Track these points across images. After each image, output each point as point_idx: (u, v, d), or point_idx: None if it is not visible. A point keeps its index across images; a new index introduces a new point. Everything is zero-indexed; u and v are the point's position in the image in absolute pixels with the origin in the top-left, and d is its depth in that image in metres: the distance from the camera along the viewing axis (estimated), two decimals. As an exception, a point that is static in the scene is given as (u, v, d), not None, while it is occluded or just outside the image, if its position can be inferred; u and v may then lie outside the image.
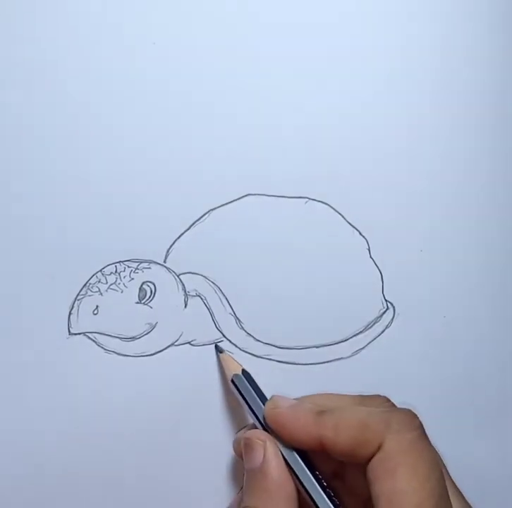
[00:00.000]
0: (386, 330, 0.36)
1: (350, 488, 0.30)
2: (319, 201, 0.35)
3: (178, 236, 0.34)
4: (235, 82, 0.35)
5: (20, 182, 0.33)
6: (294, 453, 0.29)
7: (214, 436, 0.34)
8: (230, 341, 0.34)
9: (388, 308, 0.36)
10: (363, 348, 0.35)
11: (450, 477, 0.30)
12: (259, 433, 0.30)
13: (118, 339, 0.33)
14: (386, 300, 0.36)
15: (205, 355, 0.34)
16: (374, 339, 0.36)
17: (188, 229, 0.34)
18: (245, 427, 0.33)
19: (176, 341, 0.34)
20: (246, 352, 0.34)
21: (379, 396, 0.30)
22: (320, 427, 0.28)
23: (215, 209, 0.34)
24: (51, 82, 0.33)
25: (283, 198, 0.35)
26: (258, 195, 0.35)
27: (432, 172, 0.36)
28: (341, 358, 0.35)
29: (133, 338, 0.33)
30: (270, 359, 0.35)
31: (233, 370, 0.32)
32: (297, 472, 0.28)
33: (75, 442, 0.33)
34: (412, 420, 0.28)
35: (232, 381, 0.32)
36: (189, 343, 0.34)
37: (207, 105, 0.34)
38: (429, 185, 0.36)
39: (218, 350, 0.34)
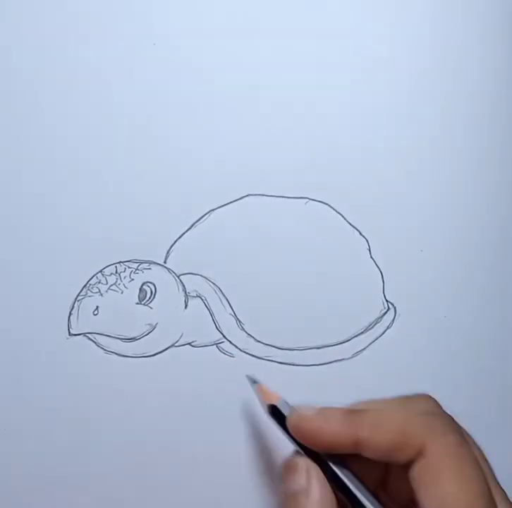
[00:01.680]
0: (387, 331, 0.36)
1: (391, 494, 0.29)
2: (319, 201, 0.35)
3: (178, 236, 0.34)
4: (235, 82, 0.35)
5: (20, 182, 0.33)
6: (337, 473, 0.28)
7: (214, 436, 0.34)
8: (230, 342, 0.34)
9: (389, 309, 0.36)
10: (364, 348, 0.35)
11: (493, 474, 0.29)
12: (302, 459, 0.28)
13: (118, 340, 0.33)
14: (386, 301, 0.36)
15: (205, 356, 0.34)
16: (375, 339, 0.35)
17: (188, 230, 0.34)
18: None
19: (176, 342, 0.34)
20: (246, 353, 0.34)
21: (422, 395, 0.29)
22: (354, 427, 0.27)
23: (215, 209, 0.34)
24: (51, 82, 0.33)
25: (283, 198, 0.35)
26: (258, 195, 0.35)
27: (433, 172, 0.37)
28: (342, 359, 0.35)
29: (133, 339, 0.33)
30: (271, 360, 0.34)
31: (267, 401, 0.30)
32: (346, 486, 0.27)
33: (75, 442, 0.33)
34: (452, 424, 0.27)
35: (270, 415, 0.30)
36: (189, 344, 0.34)
37: (208, 105, 0.34)
38: (429, 186, 0.36)
39: (252, 381, 0.32)
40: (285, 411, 0.29)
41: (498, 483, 0.29)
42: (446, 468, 0.26)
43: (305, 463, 0.28)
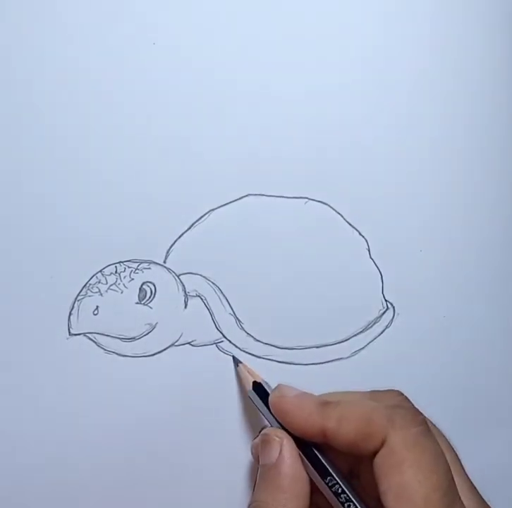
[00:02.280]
0: (386, 330, 0.36)
1: (364, 487, 0.30)
2: (318, 201, 0.35)
3: (178, 236, 0.34)
4: (235, 82, 0.35)
5: (20, 182, 0.33)
6: (313, 449, 0.29)
7: (214, 436, 0.34)
8: (230, 342, 0.34)
9: (388, 308, 0.36)
10: (363, 348, 0.35)
11: (464, 472, 0.30)
12: (278, 431, 0.29)
13: (118, 340, 0.33)
14: (385, 300, 0.36)
15: (205, 355, 0.34)
16: (374, 339, 0.36)
17: (188, 229, 0.34)
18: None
19: (176, 341, 0.34)
20: (246, 352, 0.34)
21: (391, 390, 0.30)
22: (323, 418, 0.28)
23: (215, 209, 0.34)
24: (50, 81, 0.33)
25: (283, 198, 0.35)
26: (258, 195, 0.35)
27: (432, 172, 0.37)
28: (341, 358, 0.35)
29: (133, 338, 0.33)
30: (270, 359, 0.35)
31: (248, 382, 0.32)
32: (315, 466, 0.28)
33: (75, 442, 0.33)
34: (415, 416, 0.28)
35: (249, 396, 0.32)
36: (189, 343, 0.34)
37: (208, 105, 0.34)
38: (429, 186, 0.36)
39: (235, 362, 0.34)
40: (268, 389, 0.31)
41: (465, 475, 0.29)
42: (405, 459, 0.26)
43: (278, 436, 0.29)
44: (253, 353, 0.34)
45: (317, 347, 0.35)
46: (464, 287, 0.37)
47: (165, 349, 0.34)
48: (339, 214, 0.36)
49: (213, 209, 0.34)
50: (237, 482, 0.34)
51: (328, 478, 0.28)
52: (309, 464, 0.29)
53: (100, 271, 0.33)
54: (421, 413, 0.28)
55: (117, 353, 0.33)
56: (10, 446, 0.32)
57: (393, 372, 0.36)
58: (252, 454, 0.33)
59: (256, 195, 0.35)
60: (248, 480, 0.34)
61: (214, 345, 0.34)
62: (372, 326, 0.36)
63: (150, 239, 0.34)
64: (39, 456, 0.32)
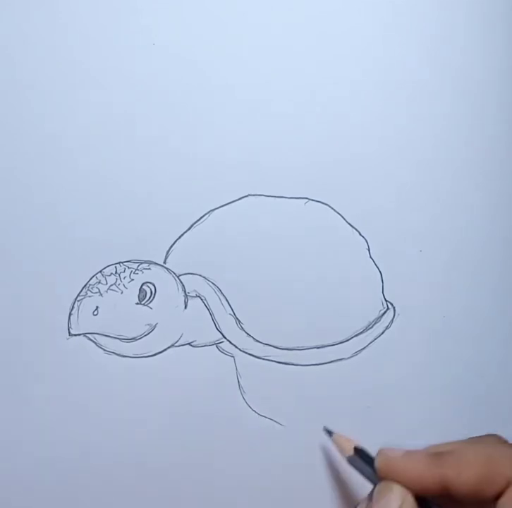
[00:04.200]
0: (387, 330, 0.36)
1: None
2: (318, 201, 0.35)
3: (178, 236, 0.34)
4: (236, 83, 0.35)
5: (20, 183, 0.33)
6: (433, 505, 0.28)
7: (215, 436, 0.34)
8: (230, 342, 0.34)
9: (388, 308, 0.36)
10: (363, 348, 0.35)
11: None
12: (396, 485, 0.28)
13: (118, 340, 0.33)
14: (386, 301, 0.36)
15: (205, 356, 0.34)
16: (375, 339, 0.36)
17: (188, 230, 0.34)
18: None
19: (176, 342, 0.34)
20: (246, 353, 0.34)
21: (489, 435, 0.30)
22: (442, 467, 0.27)
23: (215, 209, 0.34)
24: (50, 82, 0.33)
25: (283, 198, 0.35)
26: (258, 195, 0.35)
27: (432, 172, 0.37)
28: (342, 359, 0.35)
29: (133, 339, 0.33)
30: (270, 360, 0.34)
31: (347, 450, 0.31)
32: None
33: (75, 442, 0.33)
34: None
35: (350, 462, 0.31)
36: (189, 344, 0.34)
37: (208, 105, 0.34)
38: (429, 186, 0.36)
39: (328, 433, 0.32)
40: (360, 461, 0.30)
41: None
42: None
43: (400, 488, 0.28)
44: (253, 353, 0.34)
45: (318, 348, 0.35)
46: (464, 287, 0.37)
47: (165, 350, 0.34)
48: (339, 214, 0.36)
49: (213, 209, 0.34)
50: (237, 480, 0.34)
51: None
52: None
53: (100, 271, 0.33)
54: None
55: (117, 354, 0.33)
56: (10, 446, 0.32)
57: (394, 372, 0.36)
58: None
59: (256, 195, 0.35)
60: (247, 478, 0.34)
61: (214, 345, 0.34)
62: (372, 326, 0.36)
63: (150, 239, 0.34)
64: (39, 456, 0.32)
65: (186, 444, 0.34)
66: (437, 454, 0.28)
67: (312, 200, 0.35)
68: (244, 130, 0.35)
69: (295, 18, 0.35)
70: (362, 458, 0.30)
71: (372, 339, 0.35)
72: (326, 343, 0.35)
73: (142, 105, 0.34)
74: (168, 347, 0.34)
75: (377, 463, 0.29)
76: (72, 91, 0.33)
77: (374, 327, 0.36)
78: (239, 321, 0.34)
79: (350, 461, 0.31)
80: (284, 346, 0.35)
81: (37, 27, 0.33)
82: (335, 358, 0.35)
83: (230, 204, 0.35)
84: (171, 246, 0.34)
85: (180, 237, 0.34)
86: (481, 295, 0.37)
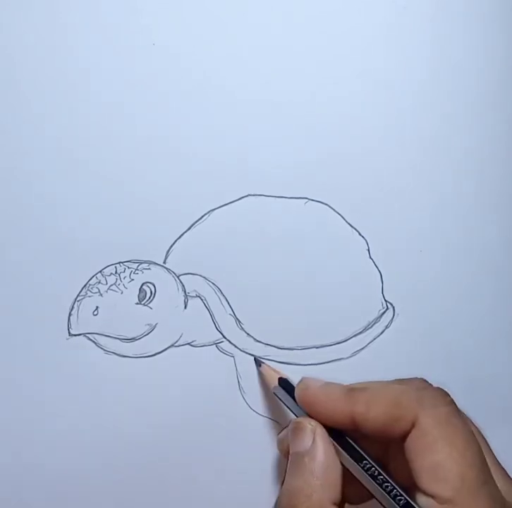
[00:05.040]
0: (386, 330, 0.36)
1: (394, 473, 0.29)
2: (318, 201, 0.35)
3: (178, 236, 0.34)
4: (236, 83, 0.35)
5: (20, 182, 0.33)
6: (344, 436, 0.29)
7: (215, 436, 0.34)
8: (230, 342, 0.34)
9: (387, 308, 0.36)
10: (363, 348, 0.35)
11: (491, 451, 0.29)
12: (310, 419, 0.29)
13: (118, 340, 0.33)
14: (385, 301, 0.36)
15: (205, 356, 0.34)
16: (374, 339, 0.36)
17: (188, 230, 0.34)
18: (286, 427, 0.32)
19: (176, 342, 0.34)
20: (246, 353, 0.34)
21: (416, 378, 0.30)
22: (352, 403, 0.28)
23: (215, 209, 0.34)
24: (50, 82, 0.33)
25: (283, 198, 0.35)
26: (258, 195, 0.35)
27: (432, 172, 0.37)
28: (341, 359, 0.35)
29: (133, 339, 0.33)
30: (270, 360, 0.34)
31: (273, 380, 0.32)
32: (349, 451, 0.28)
33: (75, 442, 0.33)
34: (443, 397, 0.28)
35: (274, 393, 0.32)
36: (189, 344, 0.34)
37: (208, 105, 0.34)
38: (428, 186, 0.37)
39: (257, 363, 0.34)
40: (293, 384, 0.31)
41: (496, 460, 0.29)
42: (438, 438, 0.26)
43: (311, 424, 0.29)
44: (253, 353, 0.34)
45: (317, 347, 0.35)
46: (464, 287, 0.37)
47: (165, 350, 0.34)
48: (339, 214, 0.36)
49: (213, 209, 0.34)
50: (237, 480, 0.34)
51: (364, 462, 0.28)
52: (342, 451, 0.28)
53: (100, 271, 0.33)
54: (448, 394, 0.28)
55: (117, 354, 0.33)
56: (10, 446, 0.32)
57: (393, 372, 0.35)
58: (278, 446, 0.32)
59: (256, 195, 0.35)
60: (247, 477, 0.34)
61: (214, 345, 0.34)
62: (371, 326, 0.36)
63: (150, 239, 0.34)
64: (39, 457, 0.32)
65: (186, 444, 0.34)
66: (351, 390, 0.29)
67: (312, 200, 0.35)
68: (244, 130, 0.35)
69: (295, 18, 0.35)
70: (285, 389, 0.31)
71: (372, 338, 0.36)
72: (325, 343, 0.35)
73: (142, 105, 0.34)
74: (168, 347, 0.34)
75: (296, 391, 0.30)
76: (73, 91, 0.33)
77: (374, 326, 0.36)
78: (239, 321, 0.34)
79: (276, 392, 0.32)
80: (284, 345, 0.35)
81: (37, 27, 0.33)
82: (335, 358, 0.35)
83: (230, 204, 0.35)
84: (171, 246, 0.34)
85: (180, 237, 0.34)
86: (481, 295, 0.37)
